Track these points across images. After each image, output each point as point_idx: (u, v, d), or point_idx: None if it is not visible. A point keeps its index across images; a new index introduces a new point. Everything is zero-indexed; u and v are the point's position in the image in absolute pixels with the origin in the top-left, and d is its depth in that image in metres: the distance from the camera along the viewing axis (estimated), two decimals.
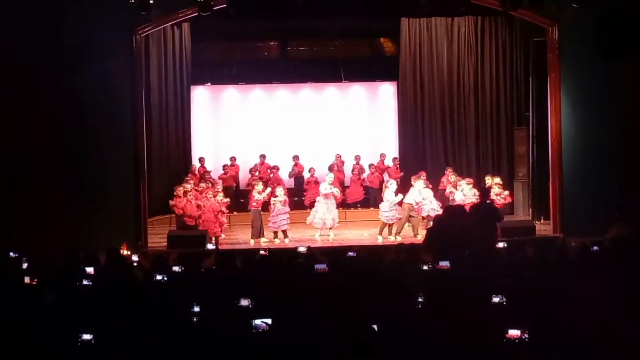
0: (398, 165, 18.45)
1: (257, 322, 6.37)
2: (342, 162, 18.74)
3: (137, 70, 14.48)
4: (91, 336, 6.18)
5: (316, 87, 20.03)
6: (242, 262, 9.44)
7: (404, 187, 16.35)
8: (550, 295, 7.05)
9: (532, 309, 6.61)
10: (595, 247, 9.41)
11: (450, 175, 16.42)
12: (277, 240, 15.10)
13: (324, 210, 15.24)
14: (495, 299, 6.92)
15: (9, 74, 13.40)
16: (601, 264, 8.62)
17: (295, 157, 18.86)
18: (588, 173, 14.78)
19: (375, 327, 6.09)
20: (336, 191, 15.59)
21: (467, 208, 13.56)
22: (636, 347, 5.64)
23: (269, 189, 15.62)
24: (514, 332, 5.93)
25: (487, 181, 15.66)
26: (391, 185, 15.54)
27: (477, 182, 16.18)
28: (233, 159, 18.70)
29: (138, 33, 14.41)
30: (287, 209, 15.26)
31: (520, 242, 11.68)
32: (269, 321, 6.36)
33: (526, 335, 5.90)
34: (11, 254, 10.20)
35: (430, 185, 16.12)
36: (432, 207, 15.36)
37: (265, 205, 15.51)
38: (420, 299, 7.02)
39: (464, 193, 15.30)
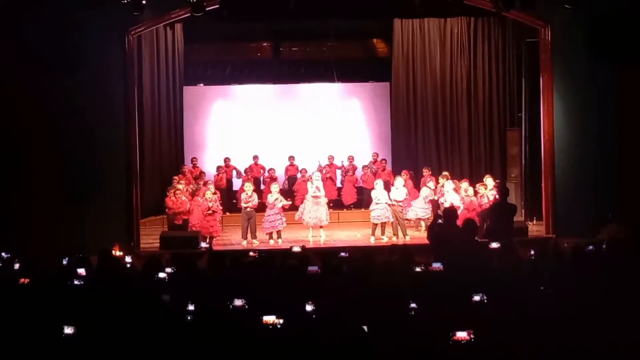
0: (385, 166, 18.44)
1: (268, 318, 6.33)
2: (333, 165, 18.73)
3: (129, 70, 14.43)
4: (73, 329, 6.13)
5: (309, 88, 20.02)
6: (230, 264, 9.38)
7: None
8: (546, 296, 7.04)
9: (527, 309, 6.58)
10: (590, 247, 9.39)
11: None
12: (271, 242, 15.06)
13: (309, 209, 15.20)
14: (476, 297, 6.82)
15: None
16: (597, 264, 8.59)
17: (291, 158, 18.88)
18: (580, 174, 14.79)
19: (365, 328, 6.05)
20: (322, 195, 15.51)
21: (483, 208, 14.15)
22: (633, 348, 5.64)
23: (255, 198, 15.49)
24: (461, 335, 5.79)
25: (486, 182, 15.54)
26: (378, 186, 15.49)
27: (470, 182, 16.13)
28: (227, 159, 18.66)
29: (130, 33, 14.36)
30: (282, 208, 15.21)
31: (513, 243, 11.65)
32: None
33: (472, 336, 5.77)
34: (3, 254, 10.16)
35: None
36: (419, 208, 15.44)
37: (263, 206, 15.52)
38: (412, 304, 6.92)
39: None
